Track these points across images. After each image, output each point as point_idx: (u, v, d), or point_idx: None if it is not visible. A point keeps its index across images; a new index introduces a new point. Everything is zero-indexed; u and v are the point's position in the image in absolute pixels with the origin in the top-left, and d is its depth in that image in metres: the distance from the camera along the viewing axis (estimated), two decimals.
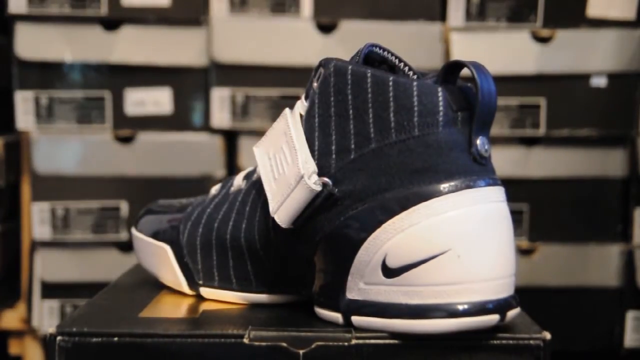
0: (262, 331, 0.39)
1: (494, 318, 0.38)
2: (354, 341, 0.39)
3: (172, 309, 0.45)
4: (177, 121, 0.93)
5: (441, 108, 0.38)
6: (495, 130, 0.90)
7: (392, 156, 0.39)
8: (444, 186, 0.38)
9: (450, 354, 0.39)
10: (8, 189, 0.97)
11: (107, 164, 0.92)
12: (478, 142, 0.39)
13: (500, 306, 0.38)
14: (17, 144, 0.96)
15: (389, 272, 0.38)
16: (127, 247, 0.92)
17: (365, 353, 0.39)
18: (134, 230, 0.52)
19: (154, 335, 0.40)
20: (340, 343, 0.39)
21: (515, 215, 0.94)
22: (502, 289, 0.38)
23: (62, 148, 0.92)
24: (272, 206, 0.41)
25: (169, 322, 0.42)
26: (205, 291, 0.47)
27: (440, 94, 0.39)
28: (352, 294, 0.40)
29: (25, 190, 0.95)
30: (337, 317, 0.41)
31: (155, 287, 0.50)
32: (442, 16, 0.92)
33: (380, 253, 0.38)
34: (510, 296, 0.39)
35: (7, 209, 0.98)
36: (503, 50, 0.91)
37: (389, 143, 0.39)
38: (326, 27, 0.91)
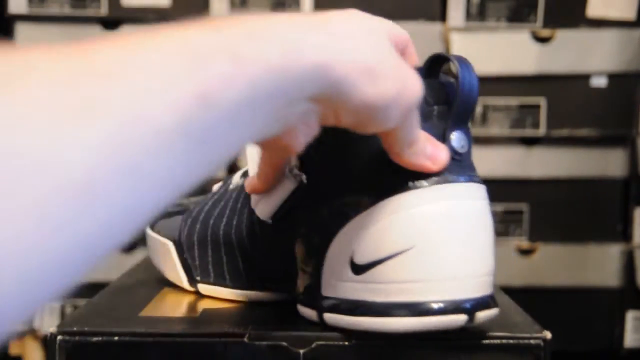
0: (262, 330, 0.39)
1: (460, 318, 0.37)
2: (354, 341, 0.39)
3: (172, 308, 0.45)
4: None
5: None
6: (495, 130, 0.90)
7: (367, 150, 0.38)
8: (411, 182, 0.37)
9: (450, 354, 0.39)
10: None
11: None
12: (453, 137, 0.38)
13: (468, 306, 0.37)
14: None
15: (357, 268, 0.38)
16: (127, 247, 0.92)
17: (365, 353, 0.39)
18: (147, 228, 0.53)
19: (154, 334, 0.39)
20: (340, 343, 0.39)
21: (515, 215, 0.95)
22: (471, 288, 0.37)
23: None
24: (253, 199, 0.42)
25: (169, 321, 0.42)
26: (202, 287, 0.47)
27: None
28: (326, 291, 0.39)
29: None
30: (313, 314, 0.40)
31: (155, 287, 0.50)
32: (442, 16, 0.92)
33: (349, 249, 0.38)
34: (485, 296, 0.38)
35: None
36: (503, 50, 0.91)
37: (364, 137, 0.38)
38: None
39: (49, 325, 0.93)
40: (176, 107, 0.22)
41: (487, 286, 0.38)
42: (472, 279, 0.37)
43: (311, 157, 0.39)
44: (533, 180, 0.93)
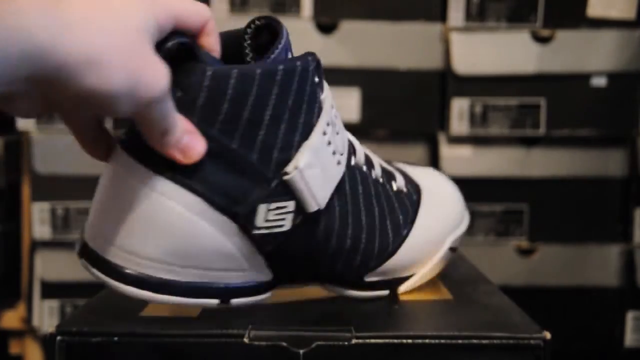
0: (262, 331, 0.39)
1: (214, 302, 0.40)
2: (354, 341, 0.39)
3: (172, 308, 0.45)
4: None
5: None
6: (495, 130, 0.90)
7: None
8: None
9: (450, 354, 0.39)
10: (8, 189, 0.97)
11: None
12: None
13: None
14: (17, 144, 0.96)
15: None
16: None
17: (366, 353, 0.39)
18: None
19: (154, 334, 0.40)
20: (340, 343, 0.39)
21: (515, 215, 0.95)
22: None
23: (62, 148, 0.91)
24: None
25: (169, 321, 0.42)
26: None
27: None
28: None
29: (25, 190, 0.95)
30: None
31: None
32: (442, 16, 0.92)
33: None
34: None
35: (7, 209, 0.98)
36: (503, 50, 0.91)
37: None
38: (326, 27, 0.91)
39: (48, 325, 0.93)
40: None
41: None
42: None
43: None
44: (533, 180, 0.93)
